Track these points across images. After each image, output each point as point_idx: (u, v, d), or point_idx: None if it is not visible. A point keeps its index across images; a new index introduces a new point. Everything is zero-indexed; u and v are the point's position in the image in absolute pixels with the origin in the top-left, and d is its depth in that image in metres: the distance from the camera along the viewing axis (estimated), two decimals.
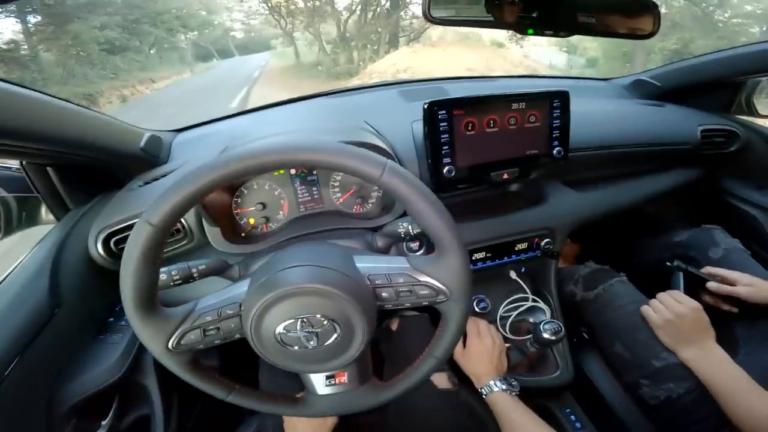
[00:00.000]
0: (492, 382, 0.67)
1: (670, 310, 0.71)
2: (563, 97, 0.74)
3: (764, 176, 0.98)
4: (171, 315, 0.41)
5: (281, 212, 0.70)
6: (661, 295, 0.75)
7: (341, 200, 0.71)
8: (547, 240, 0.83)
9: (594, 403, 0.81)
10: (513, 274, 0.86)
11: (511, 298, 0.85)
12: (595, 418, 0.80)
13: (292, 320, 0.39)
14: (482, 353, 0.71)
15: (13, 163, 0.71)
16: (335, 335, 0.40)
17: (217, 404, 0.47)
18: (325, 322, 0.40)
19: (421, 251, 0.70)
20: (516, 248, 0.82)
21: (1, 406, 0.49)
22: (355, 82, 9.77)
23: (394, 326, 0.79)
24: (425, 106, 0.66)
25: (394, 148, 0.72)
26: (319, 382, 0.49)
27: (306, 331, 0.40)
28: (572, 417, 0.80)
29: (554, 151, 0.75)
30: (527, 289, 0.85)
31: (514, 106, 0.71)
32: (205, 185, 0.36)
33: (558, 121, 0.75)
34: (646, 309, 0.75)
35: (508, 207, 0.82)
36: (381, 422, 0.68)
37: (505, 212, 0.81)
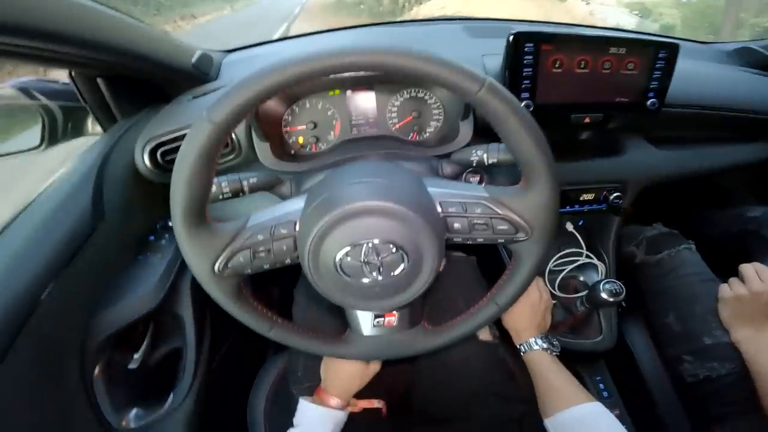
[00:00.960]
0: (533, 340, 0.63)
1: (748, 286, 0.65)
2: (672, 49, 0.64)
3: None
4: (220, 230, 0.38)
5: (332, 133, 0.66)
6: (744, 267, 0.68)
7: (398, 126, 0.67)
8: (617, 194, 0.76)
9: (627, 375, 0.78)
10: (570, 226, 0.80)
11: (564, 252, 0.80)
12: (624, 390, 0.78)
13: (356, 246, 0.35)
14: (527, 307, 0.65)
15: (61, 77, 0.68)
16: (402, 266, 0.36)
17: (246, 339, 0.45)
18: (393, 250, 0.35)
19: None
20: (581, 198, 0.76)
21: (38, 334, 0.45)
22: None
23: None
24: (511, 37, 0.59)
25: None
26: (366, 322, 0.46)
27: (370, 260, 0.35)
28: (601, 385, 0.78)
29: (648, 102, 0.65)
30: (582, 244, 0.80)
31: (613, 50, 0.62)
32: (278, 82, 0.31)
33: (660, 72, 0.65)
34: (724, 285, 0.69)
35: (581, 154, 0.75)
36: (408, 369, 0.66)
37: (577, 159, 0.74)
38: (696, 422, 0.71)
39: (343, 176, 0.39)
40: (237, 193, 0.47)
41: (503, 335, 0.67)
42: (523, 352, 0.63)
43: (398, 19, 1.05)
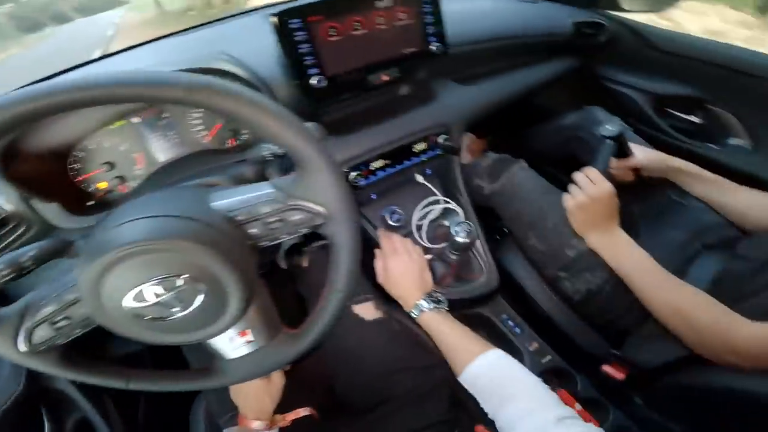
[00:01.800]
0: (419, 302, 0.62)
1: (585, 193, 0.66)
2: None
3: (632, 61, 1.04)
4: (3, 316, 0.35)
5: (137, 166, 0.59)
6: (576, 175, 0.69)
7: (209, 137, 0.62)
8: (444, 137, 0.80)
9: (526, 306, 0.80)
10: (420, 178, 0.82)
11: (423, 203, 0.80)
12: (528, 320, 0.78)
13: (139, 289, 0.31)
14: (403, 273, 0.65)
15: None
16: (201, 295, 0.33)
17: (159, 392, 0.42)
18: (182, 282, 0.32)
19: None
20: (415, 149, 0.79)
21: None
22: None
23: (305, 263, 0.73)
24: (272, 20, 0.57)
25: (259, 73, 0.63)
26: (225, 346, 0.43)
27: (163, 299, 0.32)
28: (510, 323, 0.78)
29: (432, 47, 0.70)
30: (437, 192, 0.82)
31: (379, 4, 0.64)
32: None
33: (431, 16, 0.70)
34: (566, 194, 0.70)
35: (398, 110, 0.78)
36: (320, 369, 0.64)
37: (396, 115, 0.77)
38: (606, 336, 0.72)
39: (111, 219, 0.34)
40: (22, 272, 0.38)
41: (399, 306, 0.66)
42: (415, 317, 0.62)
43: (206, 21, 0.97)
